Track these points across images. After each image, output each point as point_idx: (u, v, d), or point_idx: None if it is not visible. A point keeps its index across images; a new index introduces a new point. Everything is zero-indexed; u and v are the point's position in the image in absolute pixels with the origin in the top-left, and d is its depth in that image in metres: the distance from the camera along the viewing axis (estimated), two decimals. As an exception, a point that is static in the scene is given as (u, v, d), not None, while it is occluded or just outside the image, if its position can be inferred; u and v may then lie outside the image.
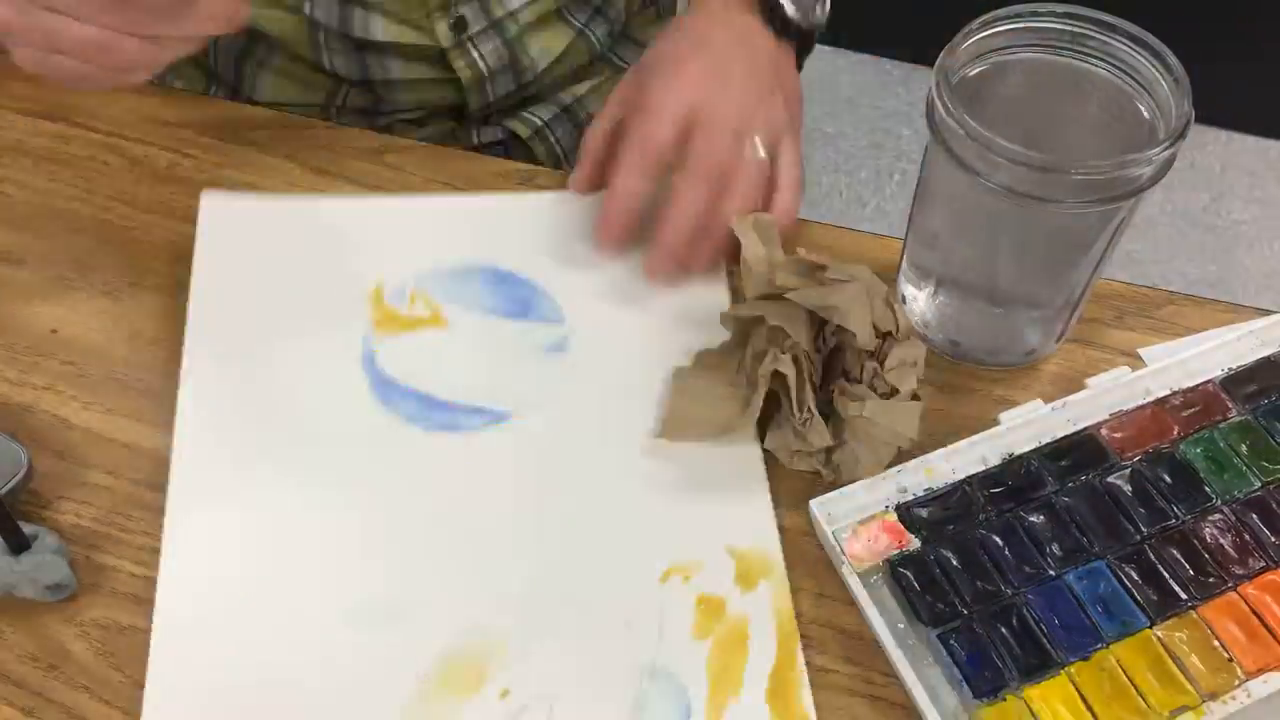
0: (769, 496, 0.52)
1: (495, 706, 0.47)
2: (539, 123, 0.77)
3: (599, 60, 0.79)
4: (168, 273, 0.60)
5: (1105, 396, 0.54)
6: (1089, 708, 0.46)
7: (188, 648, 0.48)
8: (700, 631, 0.49)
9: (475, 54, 0.71)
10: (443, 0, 0.69)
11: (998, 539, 0.50)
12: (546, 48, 0.74)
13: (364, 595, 0.50)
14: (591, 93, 0.79)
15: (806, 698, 0.47)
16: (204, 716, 0.47)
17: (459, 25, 0.70)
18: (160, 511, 0.52)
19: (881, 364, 0.50)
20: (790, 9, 0.59)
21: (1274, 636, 0.47)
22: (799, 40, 0.61)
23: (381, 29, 0.69)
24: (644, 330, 0.58)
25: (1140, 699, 0.46)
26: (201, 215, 0.60)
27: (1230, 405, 0.54)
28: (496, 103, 0.75)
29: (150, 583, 0.51)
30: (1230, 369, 0.55)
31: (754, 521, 0.51)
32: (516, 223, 0.61)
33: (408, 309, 0.58)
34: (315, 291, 0.58)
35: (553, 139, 0.78)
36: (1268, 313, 0.58)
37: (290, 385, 0.55)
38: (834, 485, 0.52)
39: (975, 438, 0.53)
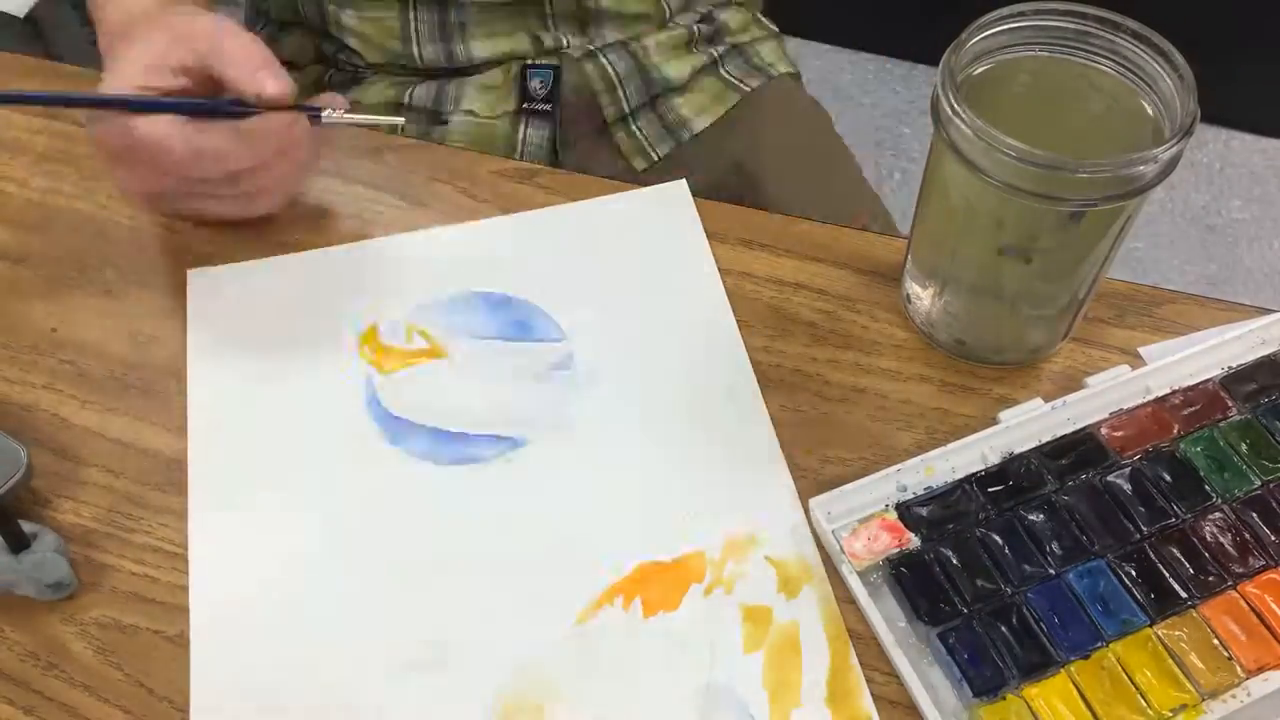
0: (799, 503, 0.52)
1: None
2: (593, 47, 0.78)
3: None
4: (168, 272, 0.60)
5: (1105, 395, 0.54)
6: (1089, 706, 0.46)
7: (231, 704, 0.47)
8: (751, 644, 0.48)
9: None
10: None
11: (998, 538, 0.50)
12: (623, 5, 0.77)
13: (408, 645, 0.48)
14: (659, 48, 0.80)
15: (867, 698, 0.47)
16: None
17: None
18: (160, 510, 0.53)
19: None
20: None
21: (1274, 635, 0.47)
22: None
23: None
24: (644, 338, 0.57)
25: (1140, 698, 0.46)
26: (190, 292, 0.59)
27: (1230, 404, 0.54)
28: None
29: (150, 581, 0.51)
30: (1230, 367, 0.55)
31: (789, 530, 0.51)
32: (503, 246, 0.61)
33: (405, 344, 0.57)
34: (309, 344, 0.57)
35: (605, 61, 0.78)
36: (1268, 311, 0.58)
37: (299, 443, 0.54)
38: (832, 484, 0.52)
39: (975, 436, 0.53)
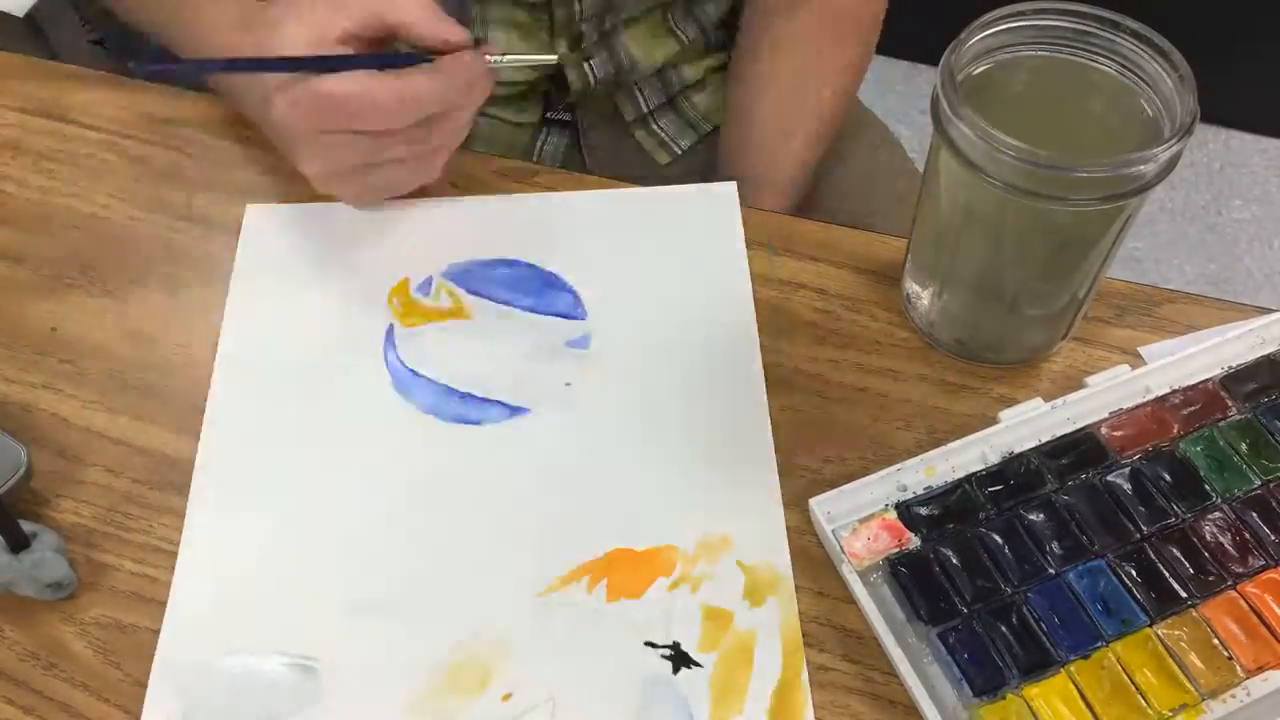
0: (781, 513, 0.52)
1: (497, 708, 0.47)
2: (645, 109, 0.79)
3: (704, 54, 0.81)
4: (167, 272, 0.60)
5: (1105, 395, 0.54)
6: (1089, 706, 0.46)
7: (198, 626, 0.49)
8: (706, 644, 0.48)
9: (587, 66, 0.74)
10: (567, 19, 0.71)
11: (998, 537, 0.50)
12: (652, 58, 0.76)
13: (374, 587, 0.50)
14: (695, 84, 0.81)
15: (809, 717, 0.47)
16: (208, 697, 0.47)
17: (576, 41, 0.73)
18: (160, 509, 0.53)
19: None
20: None
21: (1274, 635, 0.47)
22: None
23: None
24: (662, 329, 0.58)
25: (1140, 697, 0.46)
26: (245, 222, 0.62)
27: (1230, 403, 0.54)
28: (597, 88, 0.77)
29: (150, 580, 0.51)
30: (1230, 367, 0.55)
31: (765, 538, 0.51)
32: (543, 220, 0.62)
33: (432, 300, 0.59)
34: (343, 286, 0.59)
35: (656, 126, 0.80)
36: (1268, 311, 0.58)
37: (313, 375, 0.56)
38: (832, 484, 0.52)
39: (975, 436, 0.53)
